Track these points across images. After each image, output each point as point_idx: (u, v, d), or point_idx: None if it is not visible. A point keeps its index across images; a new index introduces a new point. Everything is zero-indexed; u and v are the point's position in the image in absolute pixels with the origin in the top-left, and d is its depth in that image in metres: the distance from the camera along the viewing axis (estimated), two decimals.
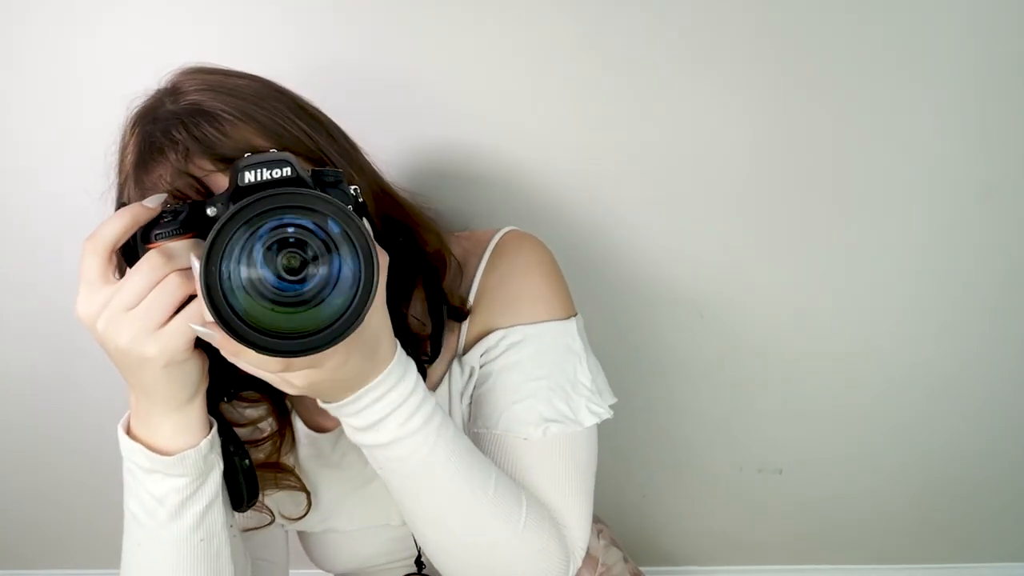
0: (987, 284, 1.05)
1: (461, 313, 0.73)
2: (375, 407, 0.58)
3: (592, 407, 0.72)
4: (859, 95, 0.93)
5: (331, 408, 0.59)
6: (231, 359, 0.52)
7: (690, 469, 1.22)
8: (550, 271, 0.75)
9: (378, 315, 0.55)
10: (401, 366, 0.58)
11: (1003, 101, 0.94)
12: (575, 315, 0.75)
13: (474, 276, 0.74)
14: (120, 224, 0.54)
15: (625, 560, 1.00)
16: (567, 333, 0.73)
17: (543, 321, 0.72)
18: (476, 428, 0.72)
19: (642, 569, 1.03)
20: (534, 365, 0.71)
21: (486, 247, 0.75)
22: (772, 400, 1.15)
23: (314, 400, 0.59)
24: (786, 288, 1.05)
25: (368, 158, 0.71)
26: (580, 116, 0.94)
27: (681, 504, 1.25)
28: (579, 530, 0.69)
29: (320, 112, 0.67)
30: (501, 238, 0.75)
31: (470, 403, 0.74)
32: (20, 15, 0.90)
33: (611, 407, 0.75)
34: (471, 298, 0.74)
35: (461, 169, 0.96)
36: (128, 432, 0.60)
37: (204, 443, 0.59)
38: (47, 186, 0.99)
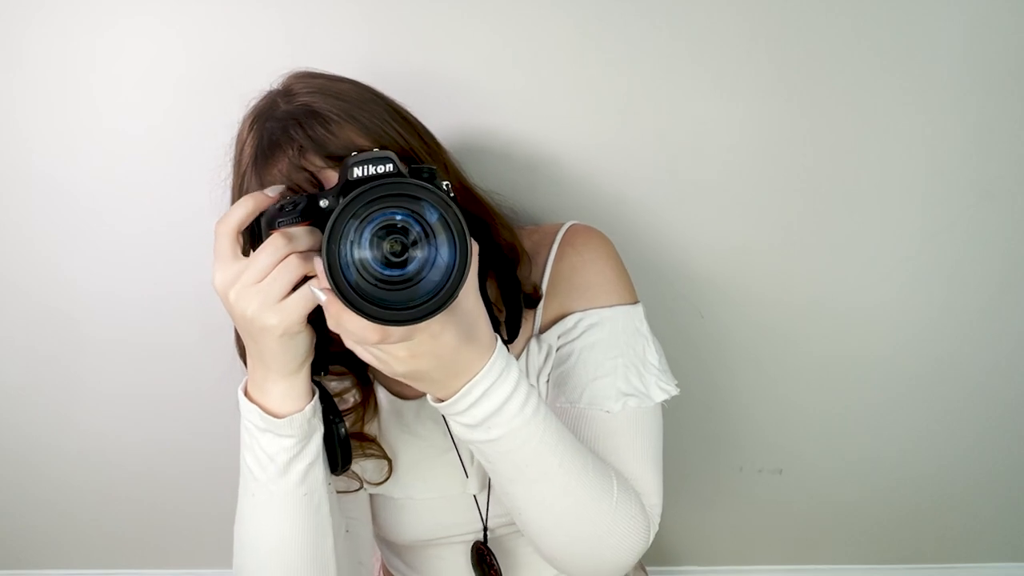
0: (988, 285, 1.06)
1: (534, 299, 0.80)
2: (486, 401, 0.62)
3: (661, 384, 0.78)
4: (860, 95, 0.93)
5: (443, 408, 0.63)
6: (335, 323, 0.57)
7: (690, 469, 1.22)
8: (616, 260, 0.82)
9: (471, 297, 0.60)
10: (503, 357, 0.62)
11: (1004, 101, 0.94)
12: (639, 302, 0.82)
13: (545, 264, 0.81)
14: (245, 209, 0.61)
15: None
16: (636, 317, 0.80)
17: (615, 305, 0.79)
18: (559, 403, 0.78)
19: None
20: (610, 345, 0.77)
21: (554, 238, 0.82)
22: (772, 400, 1.15)
23: None
24: (785, 289, 1.06)
25: (452, 157, 0.77)
26: (579, 118, 0.94)
27: (681, 504, 1.25)
28: (656, 496, 0.75)
29: (411, 115, 0.74)
30: (568, 230, 0.83)
31: (547, 380, 0.80)
32: (22, 15, 0.90)
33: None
34: (544, 284, 0.81)
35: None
36: (246, 395, 0.67)
37: (308, 408, 0.67)
38: (47, 186, 1.00)
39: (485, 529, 0.85)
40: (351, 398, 0.82)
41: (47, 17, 0.90)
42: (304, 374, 0.66)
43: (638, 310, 0.80)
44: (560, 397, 0.78)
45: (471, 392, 0.61)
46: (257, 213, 0.62)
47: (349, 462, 0.73)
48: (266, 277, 0.59)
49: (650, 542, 0.72)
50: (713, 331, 1.09)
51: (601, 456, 0.72)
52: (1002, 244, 1.03)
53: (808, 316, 1.08)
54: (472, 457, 0.83)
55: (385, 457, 0.83)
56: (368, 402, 0.83)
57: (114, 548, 1.33)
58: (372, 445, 0.83)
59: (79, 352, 1.12)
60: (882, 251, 1.03)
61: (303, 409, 0.66)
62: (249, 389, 0.67)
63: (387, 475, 0.84)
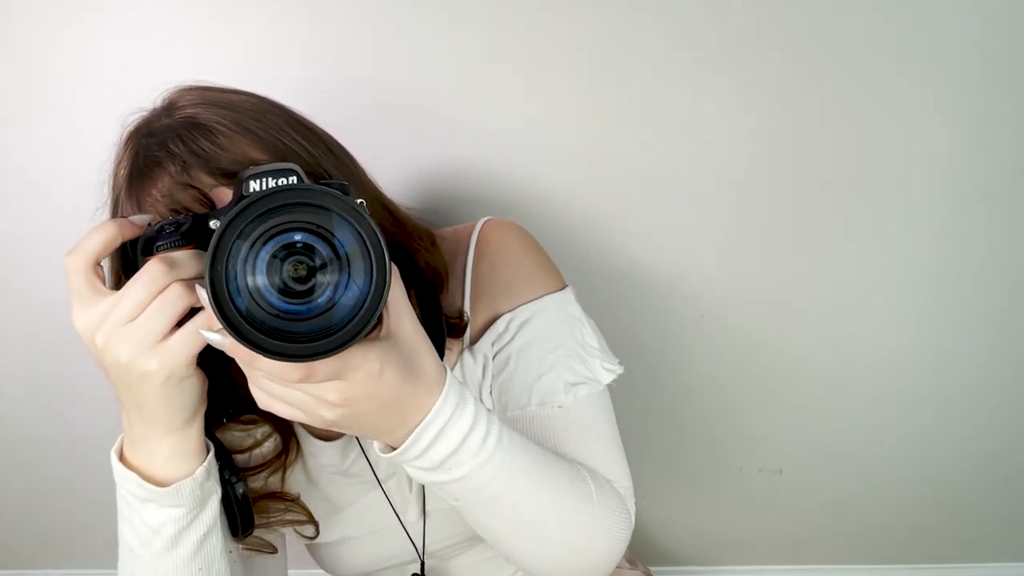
0: (989, 285, 1.05)
1: (459, 328, 0.74)
2: (442, 442, 0.55)
3: (606, 366, 0.75)
4: (859, 96, 0.93)
5: (394, 457, 0.56)
6: (245, 369, 0.49)
7: (690, 469, 1.22)
8: (536, 250, 0.78)
9: (407, 325, 0.52)
10: (456, 390, 0.55)
11: (1006, 101, 0.94)
12: (567, 286, 0.78)
13: (464, 271, 0.76)
14: (103, 236, 0.53)
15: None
16: (566, 302, 0.77)
17: (542, 296, 0.75)
18: (509, 413, 0.74)
19: None
20: (547, 338, 0.73)
21: (469, 241, 0.77)
22: (772, 400, 1.15)
23: None
24: (786, 288, 1.05)
25: (368, 174, 0.71)
26: (580, 118, 0.94)
27: (681, 504, 1.25)
28: (626, 479, 0.72)
29: (318, 127, 0.67)
30: (482, 229, 0.78)
31: (490, 392, 0.76)
32: (21, 14, 0.90)
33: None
34: (467, 291, 0.76)
35: (463, 177, 0.96)
36: (121, 458, 0.59)
37: (200, 471, 0.58)
38: (46, 188, 0.99)
39: (423, 564, 0.82)
40: (269, 452, 0.75)
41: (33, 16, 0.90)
42: (195, 428, 0.57)
43: (568, 295, 0.77)
44: (509, 406, 0.74)
45: (423, 436, 0.54)
46: (117, 243, 0.54)
47: (251, 527, 0.65)
48: (141, 314, 0.51)
49: (633, 524, 0.69)
50: (713, 331, 1.09)
51: (564, 453, 0.69)
52: (1007, 246, 1.03)
53: (809, 316, 1.08)
54: (411, 484, 0.79)
55: (309, 520, 0.77)
56: (289, 449, 0.75)
57: (113, 548, 1.32)
58: (294, 506, 0.76)
59: (79, 352, 1.11)
60: (883, 251, 1.03)
61: (194, 473, 0.57)
62: (126, 451, 0.58)
63: (315, 534, 0.78)
